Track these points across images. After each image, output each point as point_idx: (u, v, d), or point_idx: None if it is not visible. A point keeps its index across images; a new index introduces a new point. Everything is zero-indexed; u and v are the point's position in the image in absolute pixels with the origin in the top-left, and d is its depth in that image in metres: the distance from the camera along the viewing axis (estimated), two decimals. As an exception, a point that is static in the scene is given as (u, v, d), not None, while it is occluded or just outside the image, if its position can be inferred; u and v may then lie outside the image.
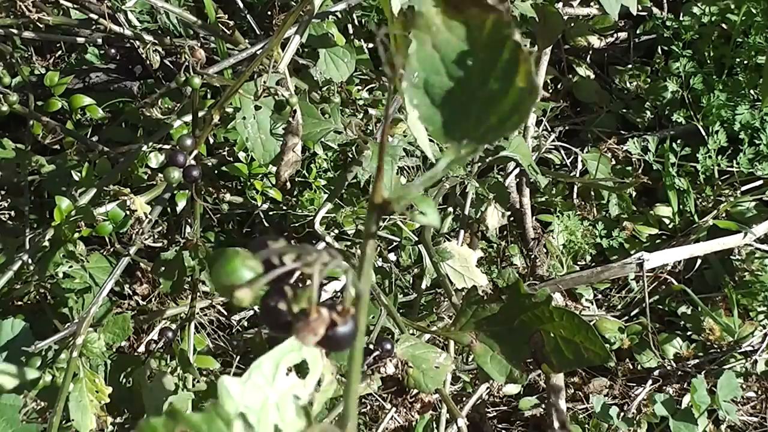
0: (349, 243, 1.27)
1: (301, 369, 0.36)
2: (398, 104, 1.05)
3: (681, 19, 1.60)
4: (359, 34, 1.37)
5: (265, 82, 0.80)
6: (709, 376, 1.37)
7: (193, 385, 1.02)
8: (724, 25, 1.60)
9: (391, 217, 1.30)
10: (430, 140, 0.42)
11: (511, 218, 1.51)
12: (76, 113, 1.34)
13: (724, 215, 1.47)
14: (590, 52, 1.69)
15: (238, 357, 1.34)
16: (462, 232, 1.29)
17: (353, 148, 1.21)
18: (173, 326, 1.13)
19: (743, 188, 1.50)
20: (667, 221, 1.52)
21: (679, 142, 1.51)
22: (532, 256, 1.47)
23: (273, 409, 0.35)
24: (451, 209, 1.39)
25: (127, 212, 0.86)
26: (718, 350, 1.41)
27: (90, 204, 1.00)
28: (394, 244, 1.33)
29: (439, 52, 0.32)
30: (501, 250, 1.50)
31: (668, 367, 1.41)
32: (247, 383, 0.35)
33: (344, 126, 0.98)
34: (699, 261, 1.47)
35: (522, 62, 0.31)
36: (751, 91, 1.52)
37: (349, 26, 1.31)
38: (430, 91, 0.32)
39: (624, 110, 1.64)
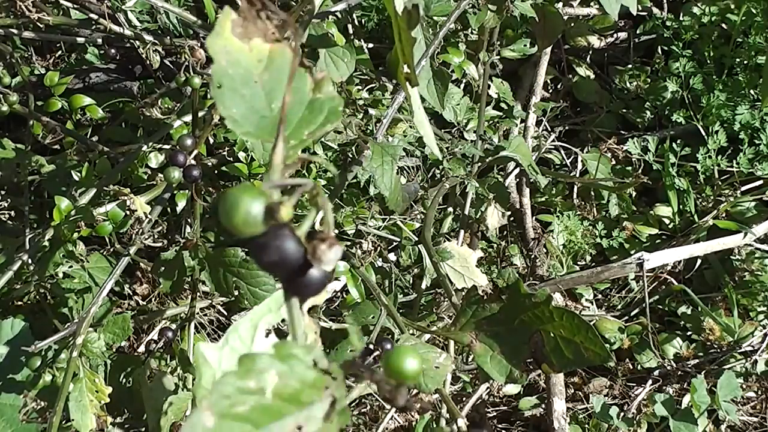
0: (349, 243, 1.27)
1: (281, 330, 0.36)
2: (398, 104, 1.05)
3: (681, 19, 1.60)
4: (359, 34, 1.37)
5: (265, 82, 0.80)
6: (709, 376, 1.37)
7: (193, 385, 1.02)
8: (724, 25, 1.60)
9: (391, 216, 1.30)
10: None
11: (511, 218, 1.51)
12: (76, 113, 1.34)
13: (724, 215, 1.47)
14: (590, 52, 1.69)
15: (238, 357, 1.34)
16: (462, 232, 1.29)
17: (353, 148, 1.21)
18: (173, 326, 1.13)
19: (743, 188, 1.50)
20: (667, 221, 1.52)
21: (679, 142, 1.51)
22: (532, 256, 1.47)
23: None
24: (451, 209, 1.39)
25: (127, 212, 0.86)
26: (718, 350, 1.41)
27: (90, 204, 1.00)
28: (394, 244, 1.33)
29: (231, 70, 0.36)
30: (501, 250, 1.50)
31: (668, 367, 1.41)
32: (224, 348, 0.35)
33: (344, 126, 0.98)
34: (699, 261, 1.47)
35: (319, 80, 0.34)
36: (751, 91, 1.52)
37: (349, 26, 1.31)
38: (232, 100, 0.36)
39: (624, 110, 1.64)
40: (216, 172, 1.37)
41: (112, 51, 1.31)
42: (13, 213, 1.35)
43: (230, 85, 0.35)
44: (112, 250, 1.22)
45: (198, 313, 1.28)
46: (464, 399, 1.29)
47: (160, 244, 1.35)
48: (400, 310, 1.05)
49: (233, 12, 0.35)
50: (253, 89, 0.36)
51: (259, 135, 0.35)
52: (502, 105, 1.54)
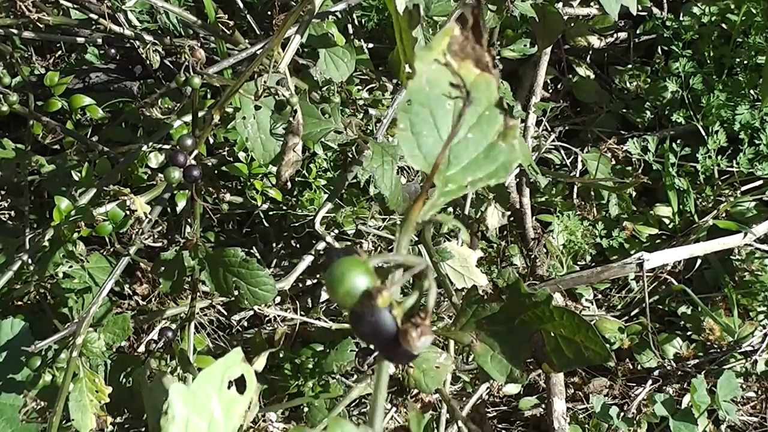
0: (349, 243, 1.27)
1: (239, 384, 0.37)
2: (398, 104, 1.05)
3: (681, 19, 1.60)
4: (359, 34, 1.37)
5: (265, 82, 0.80)
6: (709, 376, 1.37)
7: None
8: (724, 25, 1.60)
9: (391, 217, 1.30)
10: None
11: (511, 218, 1.51)
12: (76, 113, 1.34)
13: (724, 215, 1.47)
14: (590, 52, 1.69)
15: (238, 357, 1.34)
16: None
17: (353, 148, 1.21)
18: (173, 326, 1.13)
19: (743, 188, 1.50)
20: (667, 221, 1.52)
21: (679, 142, 1.51)
22: (532, 256, 1.47)
23: (221, 422, 0.35)
24: (451, 209, 1.39)
25: (127, 212, 0.86)
26: (718, 350, 1.41)
27: (90, 204, 1.00)
28: (395, 244, 1.32)
29: (428, 88, 0.33)
30: (501, 250, 1.50)
31: (668, 367, 1.41)
32: (197, 392, 0.35)
33: (344, 126, 0.98)
34: (699, 261, 1.47)
35: (508, 129, 0.32)
36: (751, 91, 1.52)
37: (349, 26, 1.31)
38: (414, 119, 0.33)
39: (624, 110, 1.64)
40: (216, 172, 1.37)
41: (112, 51, 1.31)
42: (13, 213, 1.35)
43: (421, 103, 0.33)
44: (112, 250, 1.22)
45: (198, 313, 1.28)
46: (464, 399, 1.29)
47: (160, 244, 1.35)
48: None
49: (457, 28, 0.32)
50: (444, 113, 0.33)
51: (427, 165, 0.33)
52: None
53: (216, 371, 0.36)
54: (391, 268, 0.32)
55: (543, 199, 1.56)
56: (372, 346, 0.33)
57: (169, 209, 1.35)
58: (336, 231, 1.28)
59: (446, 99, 0.33)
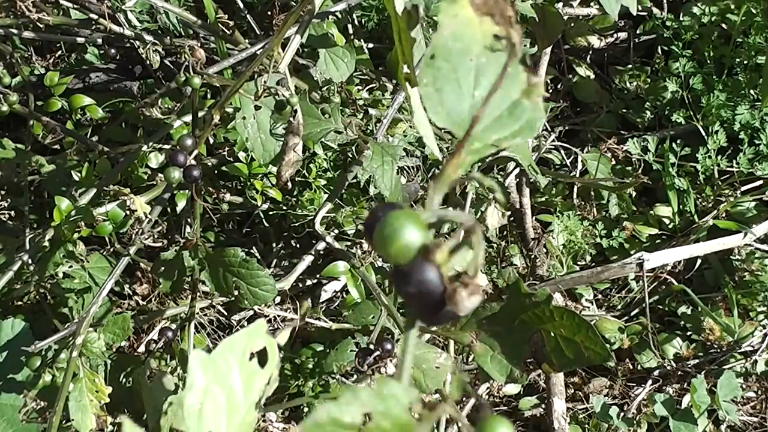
0: (349, 243, 1.27)
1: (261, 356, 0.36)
2: (398, 104, 1.05)
3: (681, 19, 1.60)
4: (359, 34, 1.37)
5: (265, 82, 0.80)
6: (709, 376, 1.37)
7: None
8: (724, 25, 1.60)
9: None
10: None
11: (511, 218, 1.51)
12: (76, 113, 1.34)
13: (724, 215, 1.47)
14: (590, 52, 1.69)
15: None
16: (462, 232, 1.29)
17: (353, 148, 1.21)
18: (173, 326, 1.13)
19: (743, 188, 1.49)
20: (667, 221, 1.52)
21: (679, 142, 1.51)
22: (532, 256, 1.47)
23: (240, 394, 0.35)
24: (451, 209, 1.39)
25: (127, 212, 0.86)
26: (718, 350, 1.41)
27: (90, 204, 1.00)
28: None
29: (452, 42, 0.32)
30: (501, 250, 1.50)
31: (668, 367, 1.41)
32: (218, 361, 0.35)
33: (344, 126, 0.98)
34: (699, 261, 1.47)
35: (531, 87, 0.31)
36: (751, 91, 1.52)
37: (349, 26, 1.31)
38: (437, 74, 0.32)
39: (624, 110, 1.64)
40: (216, 172, 1.37)
41: (112, 51, 1.31)
42: (13, 213, 1.35)
43: (444, 57, 0.32)
44: (112, 250, 1.22)
45: (198, 313, 1.28)
46: (464, 399, 1.29)
47: (160, 244, 1.35)
48: (400, 310, 1.05)
49: None
50: (466, 69, 0.32)
51: (450, 122, 0.32)
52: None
53: (238, 341, 0.35)
54: (437, 225, 0.32)
55: (543, 199, 1.56)
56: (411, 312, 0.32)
57: (169, 209, 1.35)
58: (336, 231, 1.28)
59: (468, 54, 0.32)
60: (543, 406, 1.38)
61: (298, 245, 1.44)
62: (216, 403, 0.34)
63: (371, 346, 0.90)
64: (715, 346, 1.42)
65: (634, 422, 1.34)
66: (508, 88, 0.32)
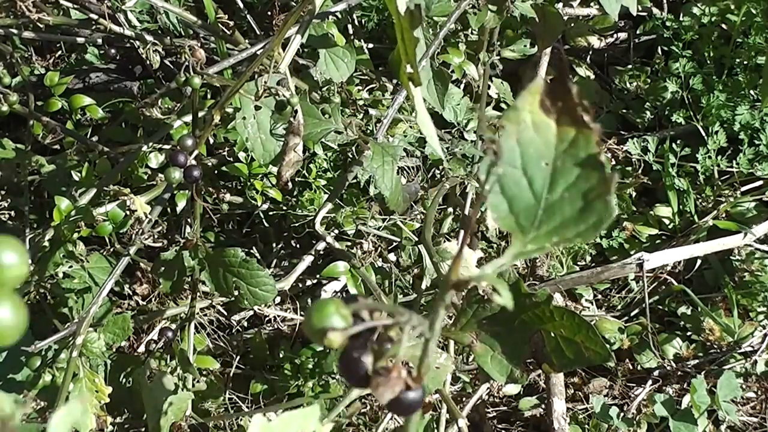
0: (349, 243, 1.27)
1: None
2: (398, 104, 1.05)
3: (681, 19, 1.60)
4: (359, 34, 1.37)
5: (265, 82, 0.80)
6: (709, 376, 1.37)
7: (193, 385, 1.02)
8: (724, 25, 1.60)
9: (391, 217, 1.30)
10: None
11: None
12: (76, 113, 1.34)
13: (724, 215, 1.47)
14: (590, 52, 1.69)
15: (238, 357, 1.34)
16: (462, 232, 1.29)
17: (353, 148, 1.21)
18: (173, 326, 1.13)
19: (743, 188, 1.49)
20: (667, 221, 1.52)
21: (679, 142, 1.51)
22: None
23: None
24: (451, 209, 1.39)
25: (127, 212, 0.86)
26: (718, 350, 1.41)
27: (90, 204, 1.00)
28: (394, 244, 1.33)
29: (520, 148, 0.33)
30: (501, 250, 1.50)
31: (668, 367, 1.41)
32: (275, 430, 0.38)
33: (344, 126, 0.98)
34: (699, 261, 1.47)
35: (606, 187, 0.31)
36: (751, 92, 1.52)
37: (349, 26, 1.31)
38: (503, 180, 0.33)
39: (624, 110, 1.64)
40: (216, 172, 1.37)
41: (112, 51, 1.31)
42: (13, 213, 1.35)
43: (512, 163, 0.32)
44: (112, 250, 1.22)
45: (198, 313, 1.28)
46: (464, 399, 1.29)
47: (160, 244, 1.35)
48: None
49: (542, 84, 0.32)
50: (541, 172, 0.32)
51: (517, 226, 0.32)
52: (502, 105, 1.54)
53: (294, 420, 0.39)
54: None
55: (543, 199, 1.56)
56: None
57: (169, 209, 1.35)
58: (336, 231, 1.28)
59: (542, 158, 0.33)
60: (543, 406, 1.38)
61: (298, 245, 1.44)
62: None
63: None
64: (715, 346, 1.42)
65: (634, 422, 1.34)
66: (582, 187, 0.32)
